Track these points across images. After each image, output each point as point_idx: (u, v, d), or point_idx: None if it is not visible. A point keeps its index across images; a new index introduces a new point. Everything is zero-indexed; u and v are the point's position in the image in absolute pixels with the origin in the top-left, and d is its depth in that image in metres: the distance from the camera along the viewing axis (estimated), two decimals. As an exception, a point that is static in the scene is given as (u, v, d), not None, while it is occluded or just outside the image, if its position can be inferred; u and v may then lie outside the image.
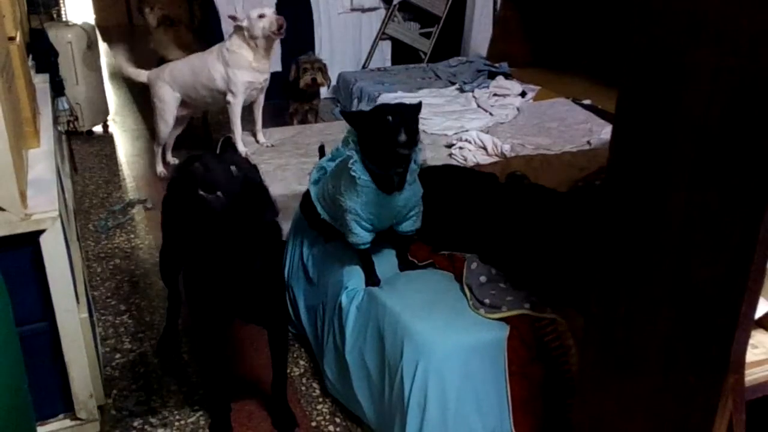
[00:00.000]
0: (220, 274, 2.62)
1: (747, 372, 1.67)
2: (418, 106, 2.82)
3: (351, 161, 2.81)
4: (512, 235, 3.02)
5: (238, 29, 5.15)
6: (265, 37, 5.06)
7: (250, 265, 2.64)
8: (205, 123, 6.68)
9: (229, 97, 5.18)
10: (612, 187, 1.88)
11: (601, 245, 1.95)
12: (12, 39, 3.00)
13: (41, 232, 2.48)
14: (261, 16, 5.03)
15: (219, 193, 2.38)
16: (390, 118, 2.71)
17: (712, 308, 1.59)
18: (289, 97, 6.12)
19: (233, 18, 5.21)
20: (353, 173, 2.79)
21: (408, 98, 5.40)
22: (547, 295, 2.74)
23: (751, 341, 1.67)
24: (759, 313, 1.74)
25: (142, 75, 5.56)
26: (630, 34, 1.73)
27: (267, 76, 5.32)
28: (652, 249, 1.76)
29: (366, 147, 2.82)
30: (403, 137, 2.68)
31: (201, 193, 2.37)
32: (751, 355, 1.72)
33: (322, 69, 5.90)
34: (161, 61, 5.82)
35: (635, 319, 1.86)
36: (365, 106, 6.14)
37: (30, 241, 2.49)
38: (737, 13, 1.44)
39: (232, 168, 2.45)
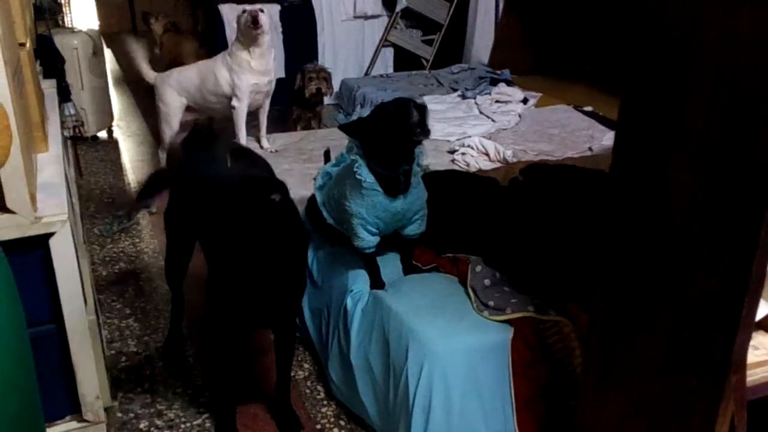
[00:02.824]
0: (255, 280, 2.63)
1: (748, 373, 1.69)
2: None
3: (356, 165, 2.83)
4: (515, 237, 3.05)
5: (237, 31, 5.19)
6: (245, 32, 5.09)
7: (287, 267, 2.67)
8: (209, 128, 6.70)
9: (234, 102, 5.19)
10: (615, 190, 1.90)
11: (605, 247, 1.97)
12: (22, 45, 3.03)
13: (51, 234, 2.50)
14: (244, 12, 5.06)
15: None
16: (391, 109, 2.75)
17: (714, 310, 1.61)
18: (292, 103, 6.14)
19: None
20: (359, 176, 2.82)
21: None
22: (551, 297, 2.76)
23: (752, 342, 1.69)
24: (760, 315, 1.76)
25: (150, 75, 5.57)
26: (632, 40, 1.76)
27: (271, 78, 5.33)
28: (654, 251, 1.78)
29: (372, 148, 2.84)
30: (415, 116, 2.71)
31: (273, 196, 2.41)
32: (752, 357, 1.73)
33: (327, 78, 5.92)
34: (170, 66, 5.83)
35: (638, 321, 1.88)
36: (367, 112, 6.16)
37: (40, 244, 2.51)
38: (737, 18, 1.46)
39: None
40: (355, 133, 2.90)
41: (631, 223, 1.85)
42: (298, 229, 2.73)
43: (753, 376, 1.75)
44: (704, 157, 1.59)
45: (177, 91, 5.40)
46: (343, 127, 2.94)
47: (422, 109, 2.76)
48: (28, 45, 3.13)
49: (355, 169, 2.84)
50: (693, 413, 1.73)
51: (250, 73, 5.16)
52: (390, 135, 2.77)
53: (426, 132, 2.76)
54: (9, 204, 2.39)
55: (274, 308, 2.76)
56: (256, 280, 2.62)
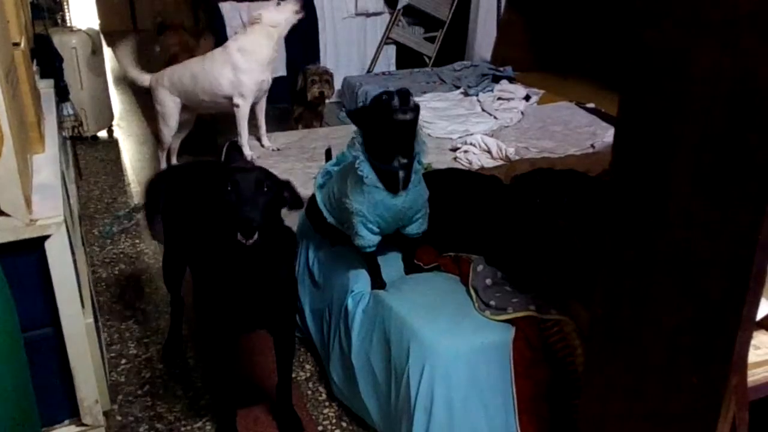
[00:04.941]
0: (242, 285, 2.61)
1: (749, 372, 1.67)
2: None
3: (358, 161, 2.82)
4: (516, 236, 3.03)
5: (253, 27, 5.14)
6: (290, 18, 5.07)
7: (275, 274, 2.65)
8: (212, 127, 6.69)
9: (239, 101, 5.14)
10: (615, 189, 1.88)
11: (605, 246, 1.95)
12: (17, 45, 3.01)
13: (46, 237, 2.47)
14: (280, 2, 5.04)
15: (256, 235, 2.37)
16: (384, 96, 2.73)
17: (715, 309, 1.59)
18: (293, 102, 6.12)
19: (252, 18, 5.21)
20: (360, 172, 2.81)
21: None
22: (553, 295, 2.74)
23: (753, 342, 1.67)
24: (761, 314, 1.74)
25: (145, 79, 5.55)
26: (631, 38, 1.74)
27: (271, 75, 5.32)
28: (654, 250, 1.76)
29: (369, 138, 2.84)
30: (396, 101, 2.69)
31: (240, 239, 2.36)
32: (753, 356, 1.72)
33: (329, 80, 5.92)
34: (168, 64, 5.81)
35: (639, 320, 1.86)
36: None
37: (35, 247, 2.49)
38: (737, 17, 1.44)
39: (265, 183, 2.45)
40: (356, 120, 2.91)
41: (631, 221, 1.83)
42: (284, 231, 2.71)
43: (754, 376, 1.73)
44: (705, 155, 1.57)
45: (170, 91, 5.39)
46: (350, 113, 2.97)
47: (405, 95, 2.76)
48: (23, 44, 3.11)
49: (356, 165, 2.83)
50: (694, 413, 1.72)
51: (262, 69, 5.12)
52: (378, 123, 2.77)
53: (405, 111, 2.74)
54: (3, 206, 2.38)
55: (264, 310, 2.74)
56: (243, 282, 2.61)
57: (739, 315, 1.53)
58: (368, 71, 7.92)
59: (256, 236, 2.35)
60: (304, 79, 5.88)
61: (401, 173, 2.84)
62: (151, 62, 5.98)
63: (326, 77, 5.90)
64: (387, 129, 2.76)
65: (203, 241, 2.69)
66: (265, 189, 2.43)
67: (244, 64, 5.10)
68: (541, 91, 6.54)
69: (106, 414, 3.00)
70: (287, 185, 2.58)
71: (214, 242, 2.57)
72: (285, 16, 5.06)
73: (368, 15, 7.92)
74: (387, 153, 2.80)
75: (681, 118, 1.62)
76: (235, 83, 5.14)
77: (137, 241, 4.89)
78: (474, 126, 5.56)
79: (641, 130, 1.76)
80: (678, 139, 1.63)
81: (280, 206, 2.55)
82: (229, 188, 2.38)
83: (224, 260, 2.56)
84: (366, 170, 2.82)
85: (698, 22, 1.54)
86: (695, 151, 1.59)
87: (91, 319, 2.81)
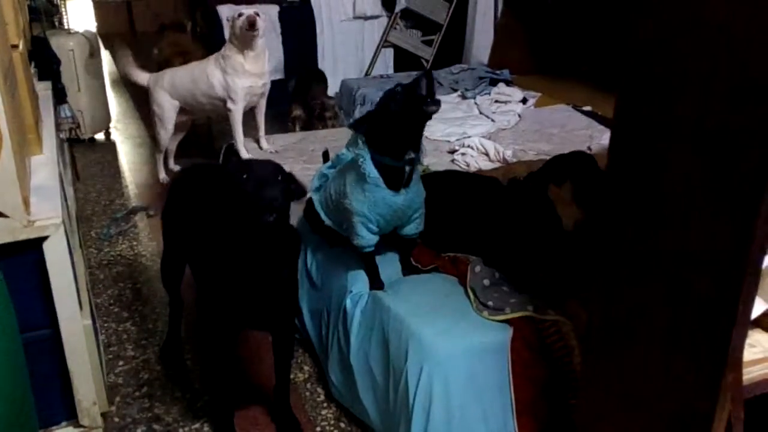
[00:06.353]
0: (244, 284, 2.62)
1: (745, 371, 1.68)
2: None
3: (360, 159, 2.82)
4: (515, 237, 3.03)
5: (227, 43, 5.21)
6: (242, 35, 5.07)
7: (277, 274, 2.66)
8: (209, 130, 6.69)
9: (230, 104, 5.19)
10: (611, 189, 1.89)
11: (601, 246, 1.96)
12: (15, 47, 3.01)
13: (44, 238, 2.48)
14: (239, 15, 5.06)
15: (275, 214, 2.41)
16: (398, 88, 2.77)
17: (710, 308, 1.60)
18: (290, 102, 6.14)
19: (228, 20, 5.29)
20: (363, 170, 2.81)
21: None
22: (550, 295, 2.75)
23: (748, 341, 1.67)
24: (756, 313, 1.75)
25: (143, 78, 5.57)
26: (628, 40, 1.75)
27: (266, 80, 5.33)
28: (651, 250, 1.77)
29: (380, 134, 2.83)
30: (423, 83, 2.71)
31: (266, 218, 2.38)
32: (749, 354, 1.72)
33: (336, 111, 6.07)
34: (162, 66, 5.83)
35: (635, 319, 1.87)
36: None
37: (33, 248, 2.49)
38: (730, 19, 1.45)
39: (279, 172, 2.48)
40: (364, 124, 2.89)
41: (627, 221, 1.84)
42: (289, 230, 2.71)
43: (750, 374, 1.74)
44: (699, 156, 1.57)
45: (169, 93, 5.41)
46: (352, 125, 2.96)
47: (429, 77, 2.76)
48: (21, 46, 3.12)
49: (359, 164, 2.83)
50: (690, 411, 1.72)
51: (244, 75, 5.16)
52: (400, 110, 2.77)
53: (436, 102, 2.75)
54: (1, 207, 2.38)
55: (265, 310, 2.75)
56: (247, 281, 2.61)
57: (735, 313, 1.54)
58: (366, 74, 7.92)
59: (275, 216, 2.39)
60: (322, 108, 5.98)
61: (407, 168, 2.85)
62: (149, 63, 5.97)
63: (333, 106, 6.05)
64: (410, 117, 2.77)
65: (208, 241, 2.69)
66: (279, 177, 2.45)
67: (229, 69, 5.15)
68: (538, 94, 6.53)
69: (103, 415, 2.99)
70: (292, 177, 2.60)
71: (219, 241, 2.58)
72: (239, 30, 5.08)
73: (366, 18, 7.92)
74: (400, 147, 2.81)
75: (676, 119, 1.63)
76: (225, 86, 5.20)
77: (135, 243, 4.89)
78: (471, 129, 5.56)
79: (637, 132, 1.77)
80: (673, 140, 1.64)
81: (291, 197, 2.56)
82: (244, 177, 2.39)
83: (227, 259, 2.57)
84: (369, 168, 2.82)
85: (694, 22, 1.54)
86: (690, 152, 1.59)
87: (88, 321, 2.81)
